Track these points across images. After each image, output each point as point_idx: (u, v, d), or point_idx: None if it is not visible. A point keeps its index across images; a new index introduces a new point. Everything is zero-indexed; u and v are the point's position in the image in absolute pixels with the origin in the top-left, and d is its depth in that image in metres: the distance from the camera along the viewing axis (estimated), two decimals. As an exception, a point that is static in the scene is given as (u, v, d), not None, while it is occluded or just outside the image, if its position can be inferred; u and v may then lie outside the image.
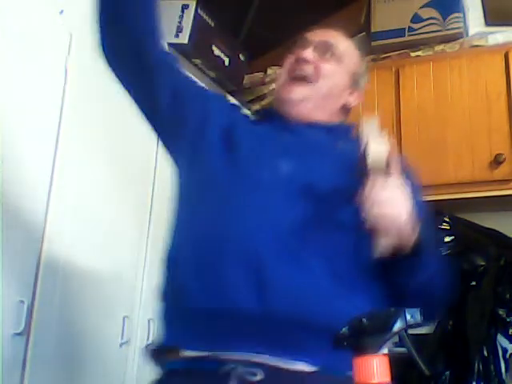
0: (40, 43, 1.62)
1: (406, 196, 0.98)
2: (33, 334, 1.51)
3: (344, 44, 1.28)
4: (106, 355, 1.79)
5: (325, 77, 1.19)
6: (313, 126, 1.18)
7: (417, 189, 1.13)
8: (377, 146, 0.98)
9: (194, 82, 1.32)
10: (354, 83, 1.26)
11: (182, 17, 2.30)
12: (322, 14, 2.74)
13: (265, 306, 0.95)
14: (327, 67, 1.20)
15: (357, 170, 1.00)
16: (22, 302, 1.48)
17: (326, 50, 1.21)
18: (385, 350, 0.74)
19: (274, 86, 1.35)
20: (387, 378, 0.71)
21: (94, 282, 1.77)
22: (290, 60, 1.22)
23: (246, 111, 1.32)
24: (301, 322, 0.96)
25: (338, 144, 1.16)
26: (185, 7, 2.32)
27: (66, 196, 1.67)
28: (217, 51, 2.45)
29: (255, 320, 0.95)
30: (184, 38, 2.27)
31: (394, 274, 1.03)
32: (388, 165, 0.97)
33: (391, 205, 0.95)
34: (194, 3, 2.31)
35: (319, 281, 1.00)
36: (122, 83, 1.22)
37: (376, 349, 0.73)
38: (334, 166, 1.09)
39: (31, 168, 1.57)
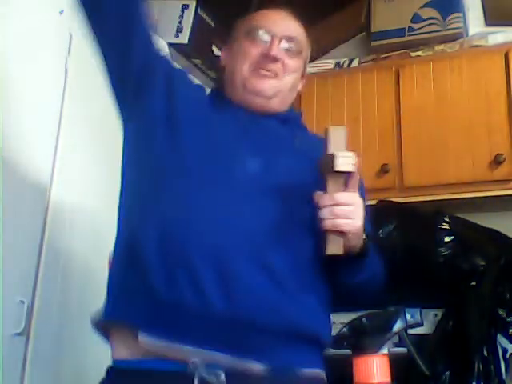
0: (40, 43, 1.62)
1: (361, 202, 1.03)
2: (33, 333, 1.51)
3: (302, 34, 1.26)
4: (106, 355, 1.79)
5: (290, 72, 1.22)
6: (272, 117, 1.20)
7: (362, 192, 1.17)
8: (345, 157, 1.00)
9: (164, 56, 1.28)
10: (305, 69, 1.30)
11: (182, 17, 2.30)
12: (322, 14, 2.74)
13: (228, 305, 0.96)
14: (292, 64, 1.22)
15: (317, 169, 1.03)
16: (22, 301, 1.49)
17: (291, 45, 1.22)
18: (385, 350, 0.74)
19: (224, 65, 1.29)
20: (387, 378, 0.71)
21: (94, 282, 1.77)
22: (251, 50, 1.20)
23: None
24: (262, 324, 0.97)
25: (296, 137, 1.20)
26: (185, 7, 2.32)
27: (66, 196, 1.67)
28: (217, 51, 2.45)
29: (217, 318, 0.96)
30: (184, 38, 2.27)
31: (339, 275, 1.09)
32: (352, 173, 1.00)
33: (350, 208, 1.00)
34: (194, 3, 2.31)
35: (282, 283, 1.01)
36: (99, 41, 1.21)
37: (376, 349, 0.73)
38: (298, 164, 1.11)
39: (31, 167, 1.57)
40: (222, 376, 0.94)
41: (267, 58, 1.18)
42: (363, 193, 1.14)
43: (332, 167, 0.98)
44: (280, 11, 1.27)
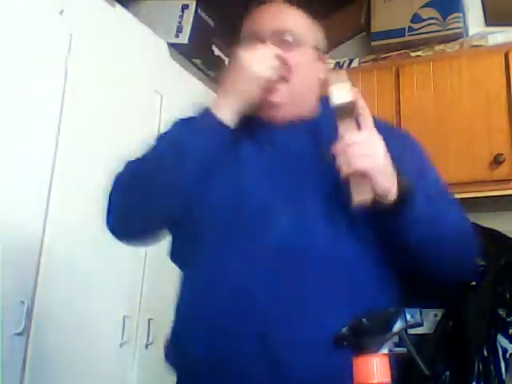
0: (40, 43, 1.62)
1: (379, 138, 0.94)
2: (33, 333, 1.51)
3: (297, 21, 1.14)
4: (106, 355, 1.79)
5: (295, 68, 1.09)
6: (296, 129, 1.08)
7: (417, 154, 1.11)
8: (340, 89, 0.93)
9: None
10: (319, 54, 1.16)
11: (182, 17, 2.30)
12: (322, 13, 2.74)
13: (277, 373, 0.92)
14: (294, 56, 1.09)
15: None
16: (22, 302, 1.49)
17: (283, 38, 1.09)
18: (385, 350, 0.74)
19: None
20: (387, 378, 0.71)
21: (94, 282, 1.77)
22: None
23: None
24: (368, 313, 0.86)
25: (322, 145, 1.03)
26: (185, 7, 2.32)
27: (67, 196, 1.67)
28: (217, 51, 2.45)
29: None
30: (184, 38, 2.27)
31: (391, 235, 0.97)
32: (354, 108, 0.93)
33: (364, 145, 0.92)
34: (194, 3, 2.31)
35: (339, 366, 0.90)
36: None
37: (376, 349, 0.73)
38: (329, 189, 1.00)
39: (31, 167, 1.57)
40: None
41: None
42: (390, 134, 1.00)
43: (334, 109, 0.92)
44: (269, 6, 1.16)
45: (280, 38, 1.10)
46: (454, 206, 1.07)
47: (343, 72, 0.97)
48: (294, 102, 1.09)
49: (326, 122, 1.03)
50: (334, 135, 0.96)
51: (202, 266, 1.02)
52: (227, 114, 1.05)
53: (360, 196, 0.92)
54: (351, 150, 0.91)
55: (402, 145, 1.08)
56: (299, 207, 1.01)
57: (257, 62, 1.04)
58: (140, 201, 1.06)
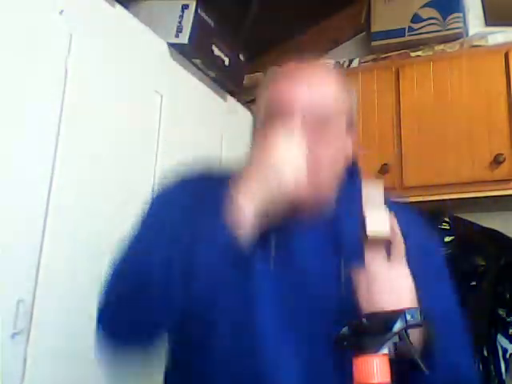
0: (40, 43, 1.62)
1: (407, 273, 0.84)
2: (33, 334, 1.51)
3: (333, 90, 0.99)
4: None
5: (322, 149, 0.95)
6: (315, 230, 0.96)
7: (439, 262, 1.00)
8: (376, 216, 0.84)
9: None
10: (349, 124, 1.01)
11: (182, 17, 2.30)
12: (323, 14, 2.75)
13: None
14: (324, 148, 0.95)
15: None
16: (22, 302, 1.48)
17: (316, 115, 0.94)
18: (385, 350, 0.74)
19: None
20: (387, 378, 0.71)
21: (93, 282, 1.76)
22: None
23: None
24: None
25: (340, 242, 0.94)
26: (185, 7, 2.32)
27: (67, 195, 1.66)
28: (217, 51, 2.45)
29: None
30: (184, 38, 2.27)
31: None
32: (389, 238, 0.85)
33: (391, 283, 0.83)
34: (194, 3, 2.31)
35: None
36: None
37: (376, 349, 0.73)
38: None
39: (31, 168, 1.57)
40: None
41: None
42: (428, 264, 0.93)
43: (365, 232, 0.83)
44: (303, 71, 0.99)
45: (312, 115, 0.94)
46: (467, 345, 1.01)
47: (380, 181, 0.87)
48: (318, 196, 0.95)
49: (347, 210, 0.96)
50: (356, 228, 0.88)
51: None
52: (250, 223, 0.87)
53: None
54: (375, 288, 0.83)
55: (427, 249, 0.99)
56: (311, 360, 0.90)
57: (289, 166, 0.87)
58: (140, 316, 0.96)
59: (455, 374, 0.92)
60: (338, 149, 0.98)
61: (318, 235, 0.96)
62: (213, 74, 2.47)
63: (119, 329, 1.00)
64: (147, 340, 1.00)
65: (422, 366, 0.79)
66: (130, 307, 0.95)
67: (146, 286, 0.92)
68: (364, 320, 0.75)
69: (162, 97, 2.12)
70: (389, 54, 2.58)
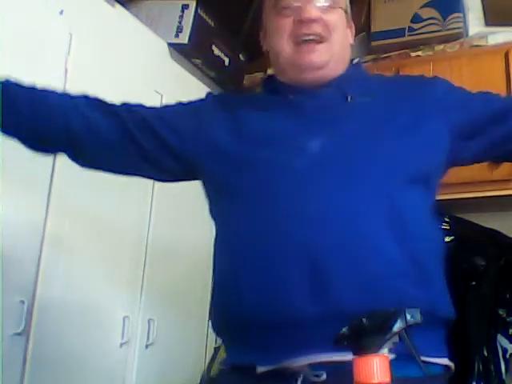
0: (40, 43, 1.62)
1: None
2: (33, 333, 1.51)
3: None
4: (106, 355, 1.79)
5: (334, 29, 1.09)
6: (326, 86, 1.09)
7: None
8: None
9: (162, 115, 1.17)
10: (348, 18, 1.18)
11: (181, 17, 2.30)
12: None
13: (329, 309, 0.91)
14: (332, 18, 1.08)
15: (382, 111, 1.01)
16: (22, 301, 1.49)
17: (322, 0, 1.08)
18: (385, 350, 0.74)
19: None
20: (387, 378, 0.71)
21: (94, 282, 1.77)
22: (283, 21, 1.07)
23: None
24: (368, 312, 0.86)
25: (348, 94, 1.08)
26: (185, 7, 2.32)
27: (67, 196, 1.67)
28: (217, 51, 2.45)
29: (320, 324, 0.91)
30: (184, 38, 2.27)
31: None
32: None
33: None
34: (194, 3, 2.31)
35: (393, 271, 0.94)
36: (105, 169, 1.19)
37: (376, 349, 0.73)
38: (358, 126, 1.02)
39: (31, 167, 1.57)
40: (324, 376, 0.91)
41: (302, 23, 1.06)
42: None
43: None
44: None
45: (320, 1, 1.08)
46: None
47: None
48: (333, 61, 1.09)
49: (352, 77, 1.12)
50: (361, 85, 1.09)
51: (243, 209, 1.00)
52: None
53: None
54: None
55: (434, 92, 1.10)
56: (335, 131, 1.02)
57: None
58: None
59: None
60: (344, 29, 1.14)
61: (331, 92, 1.08)
62: (213, 74, 2.48)
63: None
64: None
65: (422, 366, 0.79)
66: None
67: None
68: (364, 320, 0.75)
69: (161, 97, 2.12)
70: (389, 54, 2.58)
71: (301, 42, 1.06)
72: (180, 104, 1.21)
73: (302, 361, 0.93)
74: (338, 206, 0.95)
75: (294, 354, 0.93)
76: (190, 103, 1.21)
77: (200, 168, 1.09)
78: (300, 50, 1.06)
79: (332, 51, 1.09)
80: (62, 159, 1.67)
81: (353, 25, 1.21)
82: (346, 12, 1.16)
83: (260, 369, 0.95)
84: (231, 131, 1.07)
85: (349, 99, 1.07)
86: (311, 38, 1.06)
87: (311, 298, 0.92)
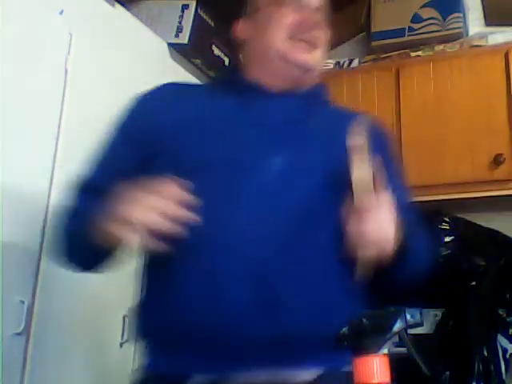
0: (40, 43, 1.62)
1: (392, 216, 0.95)
2: (33, 333, 1.51)
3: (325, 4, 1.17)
4: (106, 355, 1.79)
5: (325, 43, 1.12)
6: (291, 95, 1.09)
7: (390, 156, 1.12)
8: (361, 170, 0.94)
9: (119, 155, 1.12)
10: (327, 19, 1.19)
11: (181, 17, 2.30)
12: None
13: (276, 327, 0.91)
14: (325, 34, 1.12)
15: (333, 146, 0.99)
16: (22, 301, 1.49)
17: (323, 13, 1.12)
18: (385, 350, 0.74)
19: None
20: (387, 378, 0.71)
21: (94, 282, 1.77)
22: (286, 16, 1.07)
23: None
24: (312, 334, 0.93)
25: (312, 118, 1.08)
26: (185, 7, 2.32)
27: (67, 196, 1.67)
28: (217, 51, 2.45)
29: (263, 341, 0.91)
30: (184, 38, 2.27)
31: (383, 276, 1.00)
32: (373, 188, 0.93)
33: (381, 231, 0.93)
34: (194, 3, 2.31)
35: (331, 291, 0.97)
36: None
37: (376, 349, 0.73)
38: (315, 154, 1.03)
39: (31, 168, 1.57)
40: None
41: (307, 24, 1.07)
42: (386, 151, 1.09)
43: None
44: None
45: (322, 13, 1.12)
46: (419, 219, 1.10)
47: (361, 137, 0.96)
48: (315, 69, 1.12)
49: (316, 98, 1.13)
50: (323, 110, 1.11)
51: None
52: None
53: (362, 274, 0.94)
54: (369, 237, 0.92)
55: (386, 147, 1.15)
56: (298, 151, 1.02)
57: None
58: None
59: (419, 261, 1.06)
60: (326, 36, 1.13)
61: (293, 99, 1.09)
62: (213, 74, 2.48)
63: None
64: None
65: (423, 367, 0.79)
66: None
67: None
68: (364, 320, 0.75)
69: (162, 97, 2.12)
70: (389, 54, 2.57)
71: (298, 40, 1.07)
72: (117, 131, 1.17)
73: (241, 377, 0.92)
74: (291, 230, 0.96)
75: (233, 369, 0.92)
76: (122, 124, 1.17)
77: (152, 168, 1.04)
78: (298, 45, 1.07)
79: (317, 60, 1.11)
80: (62, 157, 1.67)
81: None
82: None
83: (192, 380, 0.93)
84: (183, 128, 1.04)
85: (312, 122, 1.07)
86: (308, 40, 1.07)
87: (260, 319, 0.91)
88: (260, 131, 1.03)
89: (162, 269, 1.00)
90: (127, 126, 1.13)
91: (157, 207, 0.88)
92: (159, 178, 0.92)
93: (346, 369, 0.94)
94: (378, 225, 0.93)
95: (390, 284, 1.05)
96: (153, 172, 0.99)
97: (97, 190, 1.02)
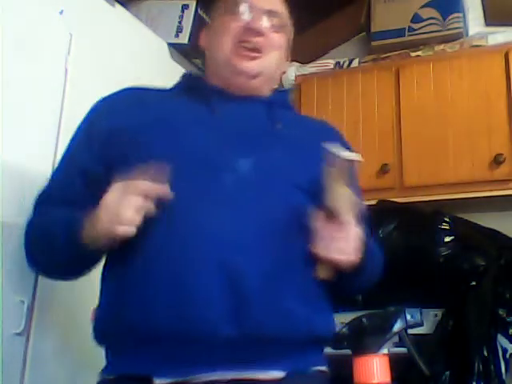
0: (40, 43, 1.62)
1: (360, 232, 0.99)
2: (33, 333, 1.51)
3: (284, 10, 1.20)
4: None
5: (275, 48, 1.15)
6: (254, 100, 1.12)
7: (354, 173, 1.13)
8: (340, 190, 0.97)
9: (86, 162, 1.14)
10: (288, 49, 1.24)
11: (181, 17, 2.30)
12: (322, 14, 2.74)
13: (243, 328, 0.92)
14: (277, 38, 1.15)
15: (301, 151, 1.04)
16: (22, 301, 1.48)
17: (274, 20, 1.14)
18: (385, 350, 0.74)
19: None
20: (387, 378, 0.71)
21: (94, 282, 1.76)
22: (233, 24, 1.12)
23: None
24: (280, 335, 0.94)
25: (278, 122, 1.12)
26: (185, 7, 2.32)
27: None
28: (217, 51, 2.45)
29: (231, 342, 0.92)
30: (184, 38, 2.27)
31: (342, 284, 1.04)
32: (349, 209, 0.97)
33: (351, 241, 0.97)
34: (194, 3, 2.31)
35: (286, 290, 0.97)
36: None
37: (376, 349, 0.73)
38: (284, 155, 1.06)
39: (31, 168, 1.57)
40: None
41: (250, 31, 1.11)
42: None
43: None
44: None
45: (272, 19, 1.14)
46: (368, 223, 1.12)
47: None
48: (264, 76, 1.14)
49: (279, 103, 1.16)
50: (287, 115, 1.15)
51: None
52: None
53: (323, 276, 0.99)
54: (339, 244, 0.96)
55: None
56: (263, 155, 1.05)
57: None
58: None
59: (376, 259, 1.10)
60: (281, 53, 1.18)
61: (254, 105, 1.12)
62: (213, 74, 2.48)
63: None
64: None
65: (423, 367, 0.79)
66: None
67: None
68: (364, 320, 0.75)
69: (162, 97, 2.12)
70: (389, 54, 2.58)
71: (242, 47, 1.10)
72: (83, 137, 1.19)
73: (206, 377, 0.92)
74: (258, 228, 0.98)
75: (198, 370, 0.92)
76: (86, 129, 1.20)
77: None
78: (239, 52, 1.10)
79: (264, 65, 1.13)
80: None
81: (289, 58, 1.25)
82: (288, 42, 1.21)
83: (158, 381, 0.93)
84: (149, 128, 1.05)
85: (277, 126, 1.11)
86: (251, 46, 1.10)
87: (229, 318, 0.92)
88: (227, 134, 1.05)
89: (123, 268, 1.01)
90: (90, 129, 1.15)
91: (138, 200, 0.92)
92: (130, 174, 0.94)
93: (314, 369, 0.99)
94: (349, 234, 0.97)
95: (346, 290, 1.07)
96: (119, 172, 0.99)
97: (59, 200, 1.12)
